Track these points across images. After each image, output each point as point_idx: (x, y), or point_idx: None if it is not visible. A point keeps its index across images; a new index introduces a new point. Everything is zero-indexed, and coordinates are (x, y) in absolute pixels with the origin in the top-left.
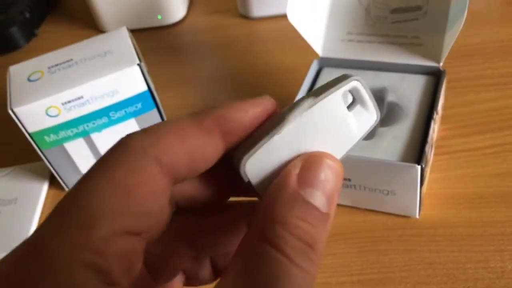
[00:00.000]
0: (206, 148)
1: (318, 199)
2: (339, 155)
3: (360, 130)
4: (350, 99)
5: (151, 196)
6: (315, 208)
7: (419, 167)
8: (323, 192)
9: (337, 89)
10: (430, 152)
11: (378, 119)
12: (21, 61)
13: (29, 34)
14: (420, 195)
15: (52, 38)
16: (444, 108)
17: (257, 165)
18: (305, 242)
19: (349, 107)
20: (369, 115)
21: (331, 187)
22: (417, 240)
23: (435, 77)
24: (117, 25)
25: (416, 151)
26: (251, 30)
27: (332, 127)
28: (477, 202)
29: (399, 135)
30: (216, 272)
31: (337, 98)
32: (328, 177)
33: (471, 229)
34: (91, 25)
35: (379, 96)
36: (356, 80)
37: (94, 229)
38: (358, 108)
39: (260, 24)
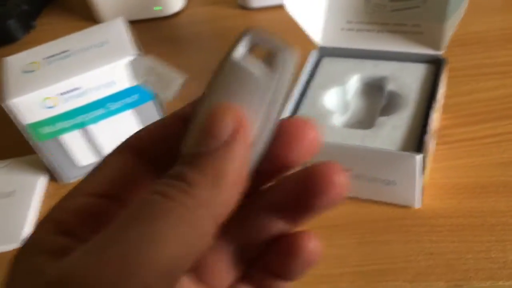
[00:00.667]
0: (165, 129)
1: (188, 142)
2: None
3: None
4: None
5: (116, 165)
6: (185, 153)
7: (419, 157)
8: (197, 134)
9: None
10: (431, 142)
11: (293, 50)
12: None
13: (27, 27)
14: (420, 185)
15: (50, 31)
16: (445, 97)
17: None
18: (174, 178)
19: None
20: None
21: (207, 127)
22: (418, 230)
23: (436, 65)
24: (115, 17)
25: (417, 141)
26: (250, 20)
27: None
28: (478, 192)
29: (399, 124)
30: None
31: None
32: (206, 123)
33: (472, 219)
34: (89, 17)
35: (379, 85)
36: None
37: (66, 197)
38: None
39: (259, 15)
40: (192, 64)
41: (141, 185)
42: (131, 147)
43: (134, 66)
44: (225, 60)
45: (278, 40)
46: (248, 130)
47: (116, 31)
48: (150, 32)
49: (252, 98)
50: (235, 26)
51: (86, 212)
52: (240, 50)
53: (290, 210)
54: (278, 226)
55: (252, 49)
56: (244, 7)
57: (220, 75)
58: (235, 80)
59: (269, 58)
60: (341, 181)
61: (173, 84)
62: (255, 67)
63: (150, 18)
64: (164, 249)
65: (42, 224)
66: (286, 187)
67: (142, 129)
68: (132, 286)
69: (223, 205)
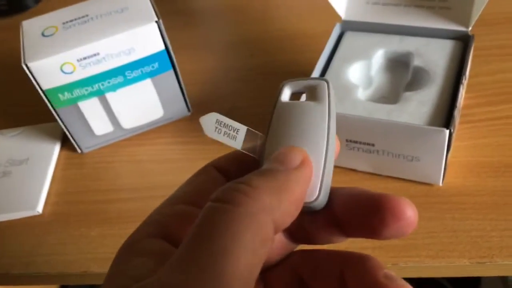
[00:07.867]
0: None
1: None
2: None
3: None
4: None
5: (203, 179)
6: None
7: (447, 131)
8: (272, 160)
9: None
10: (457, 119)
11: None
12: None
13: None
14: (445, 161)
15: (61, 1)
16: (468, 76)
17: None
18: (240, 182)
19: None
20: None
21: (276, 157)
22: (441, 207)
23: (463, 42)
24: None
25: (443, 117)
26: None
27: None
28: (502, 171)
29: (425, 100)
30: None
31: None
32: (276, 155)
33: (496, 198)
34: None
35: (403, 61)
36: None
37: (163, 204)
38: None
39: None
40: (206, 36)
41: None
42: (214, 166)
43: (205, 121)
44: (277, 104)
45: (311, 78)
46: (310, 166)
47: None
48: (165, 4)
49: (313, 127)
50: (249, 1)
51: (183, 217)
52: (285, 96)
53: (351, 228)
54: (332, 233)
55: (293, 95)
56: None
57: (277, 115)
58: (293, 115)
59: (311, 94)
60: (412, 218)
61: (240, 133)
62: (304, 103)
63: None
64: (239, 259)
65: (144, 226)
66: (353, 207)
67: (222, 156)
68: None
69: (282, 215)
